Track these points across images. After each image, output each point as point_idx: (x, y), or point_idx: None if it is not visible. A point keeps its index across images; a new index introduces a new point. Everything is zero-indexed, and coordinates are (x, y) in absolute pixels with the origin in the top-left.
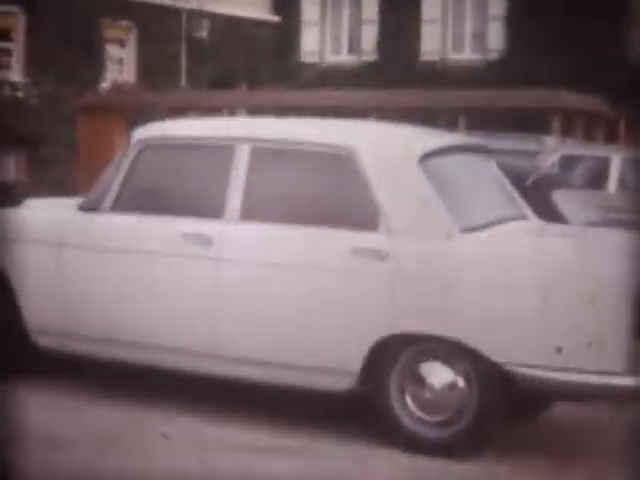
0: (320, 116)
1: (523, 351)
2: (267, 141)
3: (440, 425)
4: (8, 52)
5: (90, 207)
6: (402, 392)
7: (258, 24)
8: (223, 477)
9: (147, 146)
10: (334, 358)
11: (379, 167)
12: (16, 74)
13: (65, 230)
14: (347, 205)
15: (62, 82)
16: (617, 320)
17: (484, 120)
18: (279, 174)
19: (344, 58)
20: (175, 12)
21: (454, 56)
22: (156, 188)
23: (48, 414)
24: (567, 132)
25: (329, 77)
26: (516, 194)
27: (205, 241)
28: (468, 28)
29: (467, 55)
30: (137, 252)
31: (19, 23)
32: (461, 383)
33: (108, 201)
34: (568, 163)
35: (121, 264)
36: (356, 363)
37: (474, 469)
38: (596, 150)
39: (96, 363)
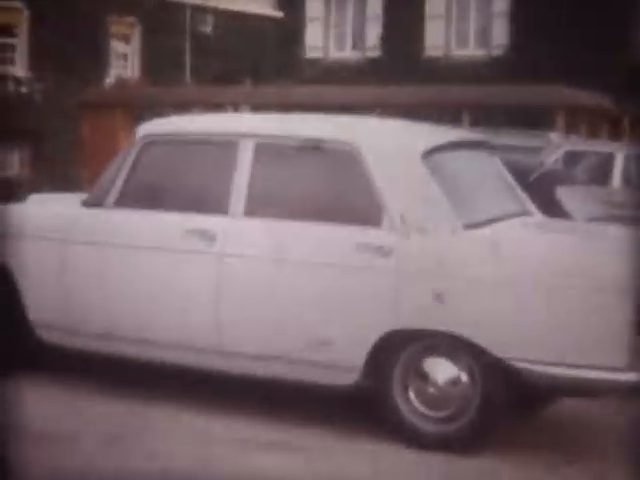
0: (324, 112)
1: (526, 346)
2: (271, 137)
3: (443, 420)
4: (12, 47)
5: (94, 203)
6: (405, 387)
7: (262, 20)
8: (226, 473)
9: (151, 142)
10: (337, 353)
11: (383, 163)
12: (20, 69)
13: (69, 226)
14: (351, 201)
15: (66, 78)
16: (620, 315)
17: (488, 116)
18: (283, 170)
19: (348, 54)
20: (179, 8)
21: (458, 52)
22: (160, 184)
23: (50, 409)
24: (571, 128)
25: (333, 73)
26: (520, 190)
27: (209, 237)
28: (472, 24)
29: (471, 51)
30: (141, 248)
31: (23, 18)
32: (464, 378)
33: (112, 197)
34: (572, 159)
35: (125, 260)
36: (359, 358)
37: (477, 464)
38: (600, 146)
39: (99, 358)
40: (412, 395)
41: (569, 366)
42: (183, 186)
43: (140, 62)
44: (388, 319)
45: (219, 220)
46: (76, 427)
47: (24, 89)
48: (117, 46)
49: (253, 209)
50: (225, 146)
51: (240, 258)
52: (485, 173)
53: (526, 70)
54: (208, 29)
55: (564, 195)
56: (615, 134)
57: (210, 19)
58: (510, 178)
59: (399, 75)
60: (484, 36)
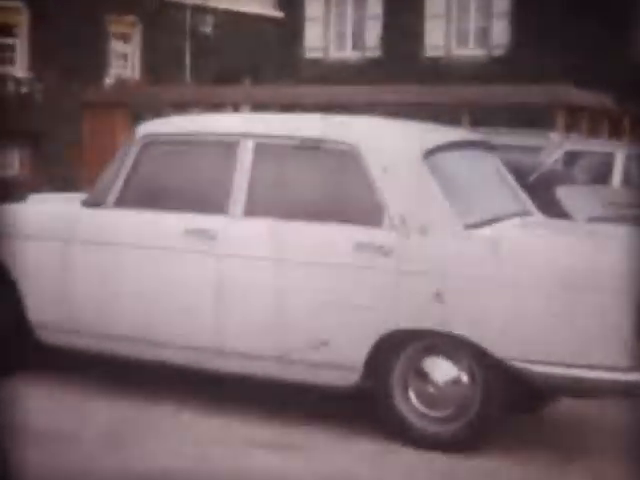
0: (324, 112)
1: (526, 346)
2: (271, 137)
3: (444, 420)
4: (12, 47)
5: (94, 203)
6: (405, 387)
7: (262, 20)
8: (226, 473)
9: (151, 142)
10: (338, 353)
11: (383, 163)
12: (20, 70)
13: (69, 226)
14: (351, 201)
15: (66, 78)
16: (620, 315)
17: (488, 116)
18: (283, 170)
19: (348, 54)
20: (180, 7)
21: (458, 52)
22: (160, 184)
23: (51, 410)
24: (571, 128)
25: (333, 73)
26: (520, 190)
27: (209, 237)
28: (472, 24)
29: (471, 51)
30: (140, 248)
31: (23, 18)
32: (465, 379)
33: (112, 197)
34: (572, 159)
35: (125, 260)
36: (359, 358)
37: (477, 464)
38: (600, 146)
39: (99, 359)
40: (412, 395)
41: (569, 366)
42: (183, 186)
43: (140, 62)
44: (388, 319)
45: (219, 220)
46: (76, 427)
47: (24, 89)
48: (117, 46)
49: (253, 209)
50: (225, 146)
51: (240, 258)
52: (485, 173)
53: (526, 70)
54: (208, 29)
55: (564, 195)
56: (615, 134)
57: (210, 19)
58: (510, 178)
59: (399, 75)
60: (484, 36)
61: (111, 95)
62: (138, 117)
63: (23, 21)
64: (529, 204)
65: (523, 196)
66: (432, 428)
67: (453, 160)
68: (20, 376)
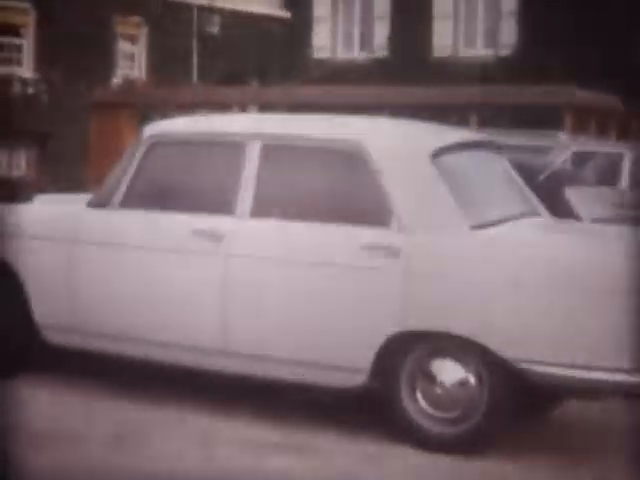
0: (331, 112)
1: (533, 348)
2: (278, 137)
3: (451, 422)
4: (18, 48)
5: (100, 203)
6: (413, 389)
7: (269, 20)
8: (231, 474)
9: (157, 142)
10: (345, 354)
11: (391, 163)
12: (26, 70)
13: (75, 226)
14: (359, 201)
15: (73, 78)
16: (626, 317)
17: (496, 116)
18: (290, 170)
19: (356, 54)
20: (186, 8)
21: (466, 52)
22: (166, 184)
23: (56, 411)
24: (579, 129)
25: (341, 73)
26: (528, 191)
27: (216, 237)
28: (480, 24)
29: (479, 51)
30: (147, 248)
31: (30, 19)
32: (472, 380)
33: (118, 197)
34: (580, 160)
35: (131, 260)
36: (367, 359)
37: (483, 466)
38: (608, 147)
39: (105, 360)
40: (420, 396)
41: (575, 367)
42: (189, 187)
43: (147, 62)
44: (396, 320)
45: (226, 220)
46: (82, 428)
47: (30, 90)
48: (124, 46)
49: (260, 209)
50: (232, 147)
51: (247, 259)
52: (493, 174)
53: (534, 70)
54: (215, 29)
55: (572, 196)
56: (624, 134)
57: (217, 19)
58: (518, 179)
59: (407, 75)
60: (492, 36)
61: (118, 96)
62: (145, 118)
63: (30, 22)
64: (537, 205)
65: (531, 197)
66: (439, 429)
67: (461, 161)
68: (25, 377)
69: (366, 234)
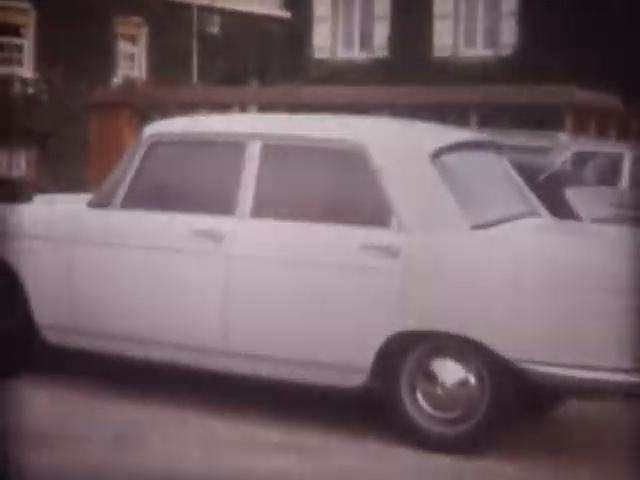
0: (331, 112)
1: (534, 348)
2: (278, 138)
3: (451, 422)
4: (19, 48)
5: (100, 203)
6: (413, 389)
7: (269, 20)
8: (232, 474)
9: (158, 142)
10: (345, 354)
11: (391, 163)
12: (27, 70)
13: (75, 226)
14: (359, 202)
15: (73, 78)
16: (626, 317)
17: (496, 116)
18: (290, 171)
19: (356, 54)
20: (186, 8)
21: (466, 52)
22: (167, 185)
23: (57, 411)
24: (580, 129)
25: (341, 73)
26: (528, 191)
27: (216, 238)
28: (480, 24)
29: (479, 51)
30: (147, 248)
31: (30, 19)
32: (472, 380)
33: (118, 197)
34: (581, 160)
35: (131, 261)
36: (367, 360)
37: (484, 466)
38: (609, 147)
39: (105, 360)
40: (420, 396)
41: (575, 367)
42: (190, 187)
43: (147, 62)
44: (396, 320)
45: (226, 221)
46: (83, 428)
47: (31, 90)
48: (124, 46)
49: (260, 210)
50: (232, 147)
51: (247, 259)
52: (493, 174)
53: (534, 70)
54: (215, 29)
55: (573, 196)
56: (624, 134)
57: (217, 19)
58: (518, 179)
59: (407, 75)
60: (492, 36)
61: (118, 96)
62: (145, 118)
63: (30, 22)
64: (537, 205)
65: (531, 197)
66: (439, 429)
67: (461, 161)
68: (25, 377)
69: (366, 234)
